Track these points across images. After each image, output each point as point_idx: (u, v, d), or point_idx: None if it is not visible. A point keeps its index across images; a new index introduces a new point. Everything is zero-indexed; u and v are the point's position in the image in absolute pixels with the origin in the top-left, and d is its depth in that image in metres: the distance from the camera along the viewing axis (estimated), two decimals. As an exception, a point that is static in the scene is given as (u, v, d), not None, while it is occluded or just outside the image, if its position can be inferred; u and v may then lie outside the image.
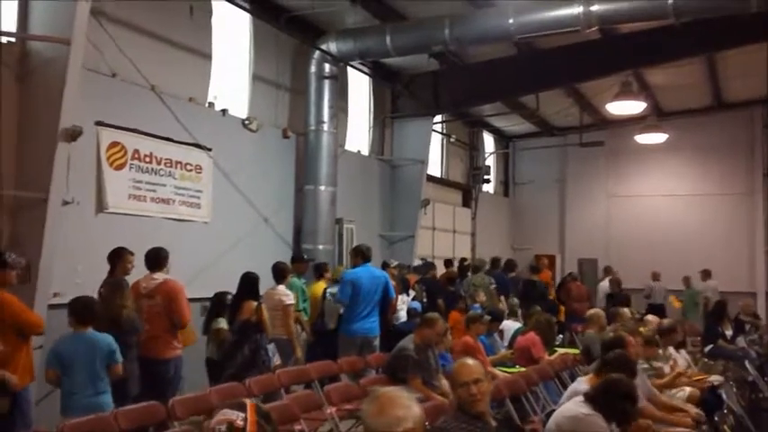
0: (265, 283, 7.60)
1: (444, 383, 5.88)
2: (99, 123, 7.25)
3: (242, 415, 2.00)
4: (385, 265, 9.92)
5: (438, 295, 10.33)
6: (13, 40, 6.35)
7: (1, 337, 4.72)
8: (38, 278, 5.92)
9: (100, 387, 4.77)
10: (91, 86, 6.90)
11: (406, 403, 2.27)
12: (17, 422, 4.75)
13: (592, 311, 8.33)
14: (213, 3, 9.10)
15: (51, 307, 6.04)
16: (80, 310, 4.90)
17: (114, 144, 7.46)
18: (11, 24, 6.41)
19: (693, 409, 5.72)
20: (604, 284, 14.09)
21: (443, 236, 15.53)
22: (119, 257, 6.06)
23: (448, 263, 12.87)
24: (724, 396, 6.34)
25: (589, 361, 6.60)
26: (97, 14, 7.09)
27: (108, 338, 4.92)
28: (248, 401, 2.11)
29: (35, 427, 4.72)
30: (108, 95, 7.38)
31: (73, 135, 6.22)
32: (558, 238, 19.10)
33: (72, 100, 6.15)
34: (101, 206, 7.30)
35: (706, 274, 14.93)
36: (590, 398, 3.96)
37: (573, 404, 4.05)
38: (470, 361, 3.58)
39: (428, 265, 11.55)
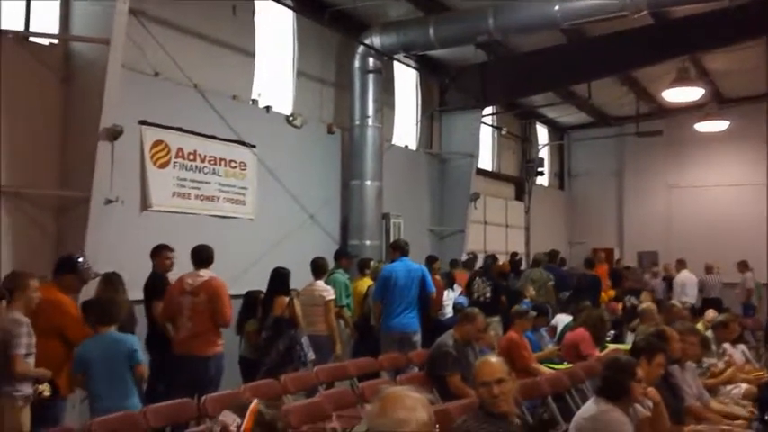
0: (309, 278, 7.58)
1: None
2: (142, 122, 7.33)
3: (238, 420, 1.92)
4: (432, 260, 9.77)
5: (501, 291, 10.12)
6: (55, 41, 6.47)
7: (45, 341, 4.58)
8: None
9: (123, 390, 4.59)
10: (133, 86, 6.98)
11: (411, 404, 2.11)
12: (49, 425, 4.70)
13: (644, 306, 8.02)
14: (256, 1, 9.10)
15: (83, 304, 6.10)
16: (98, 310, 4.80)
17: (158, 143, 7.53)
18: (53, 26, 6.53)
19: (743, 412, 5.40)
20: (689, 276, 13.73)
21: (495, 230, 15.26)
22: (156, 254, 6.08)
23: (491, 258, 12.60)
24: (778, 393, 5.98)
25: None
26: (139, 14, 7.16)
27: (129, 338, 4.77)
28: (254, 405, 2.02)
29: (65, 425, 4.69)
30: (151, 95, 7.44)
31: (114, 134, 6.31)
32: (616, 230, 18.57)
33: (112, 99, 6.24)
34: (145, 204, 7.38)
35: (743, 266, 14.33)
36: (599, 390, 3.83)
37: (590, 403, 3.89)
38: (493, 359, 3.42)
39: (491, 258, 11.26)
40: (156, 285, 6.26)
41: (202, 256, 5.98)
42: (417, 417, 2.09)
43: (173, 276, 6.30)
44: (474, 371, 3.43)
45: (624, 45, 11.25)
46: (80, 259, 5.16)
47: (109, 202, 6.53)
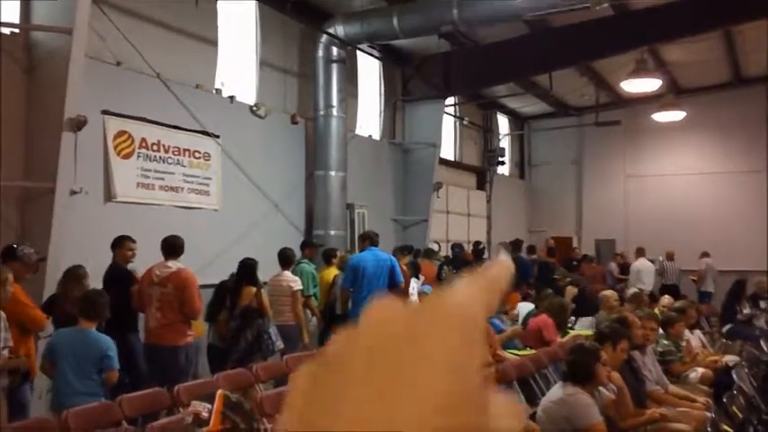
0: (274, 268, 7.68)
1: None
2: (105, 112, 7.34)
3: (208, 406, 1.99)
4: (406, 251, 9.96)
5: None
6: (17, 31, 6.43)
7: (15, 330, 4.68)
8: (47, 268, 6.01)
9: (86, 388, 4.55)
10: (96, 76, 6.98)
11: None
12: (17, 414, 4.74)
13: (603, 293, 8.32)
14: (219, -10, 9.13)
15: (50, 298, 6.11)
16: (85, 305, 4.82)
17: (121, 133, 7.54)
18: (15, 16, 6.48)
19: (701, 398, 5.69)
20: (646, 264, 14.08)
21: (458, 219, 15.51)
22: (118, 245, 6.13)
23: (459, 247, 12.87)
24: (734, 376, 6.29)
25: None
26: (100, 3, 7.14)
27: (104, 341, 4.76)
28: (219, 392, 2.10)
29: (36, 415, 4.74)
30: (113, 84, 7.45)
31: (78, 125, 6.32)
32: (575, 219, 18.99)
33: (76, 89, 6.24)
34: (109, 195, 7.39)
35: (704, 254, 14.81)
36: (566, 375, 4.04)
37: (557, 387, 4.09)
38: None
39: (459, 247, 11.54)
40: (114, 276, 6.27)
41: (172, 247, 6.04)
42: None
43: (136, 268, 6.34)
44: None
45: (585, 36, 11.54)
46: (20, 246, 5.14)
47: (73, 192, 6.54)
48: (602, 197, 18.43)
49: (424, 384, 0.33)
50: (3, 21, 6.33)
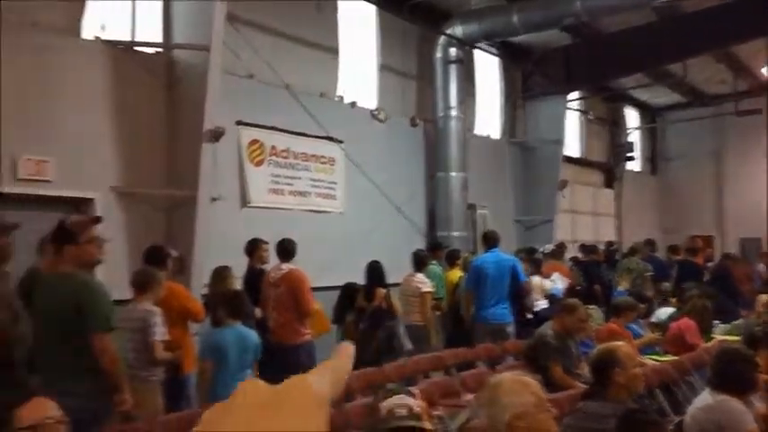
0: (397, 270, 8.08)
1: (587, 371, 5.94)
2: (239, 123, 8.05)
3: (418, 402, 2.17)
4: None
5: (595, 280, 10.46)
6: (160, 50, 7.19)
7: (171, 324, 5.22)
8: (191, 271, 6.70)
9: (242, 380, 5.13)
10: (230, 88, 7.66)
11: (517, 389, 2.26)
12: (182, 404, 5.37)
13: (760, 296, 8.16)
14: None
15: (204, 297, 6.78)
16: (228, 305, 5.30)
17: (254, 142, 8.24)
18: (158, 36, 7.25)
19: None
20: None
21: (584, 219, 15.47)
22: (254, 248, 6.71)
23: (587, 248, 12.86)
24: None
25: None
26: (231, 19, 7.81)
27: (253, 334, 5.28)
28: (414, 390, 2.33)
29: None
30: (246, 96, 8.15)
31: (216, 135, 7.00)
32: (716, 216, 18.40)
33: (214, 102, 6.92)
34: (245, 201, 8.11)
35: None
36: (713, 383, 3.90)
37: (704, 394, 3.94)
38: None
39: (590, 249, 11.63)
40: (252, 277, 6.79)
41: (285, 250, 6.56)
42: (524, 400, 2.25)
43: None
44: (621, 355, 3.70)
45: (719, 20, 11.26)
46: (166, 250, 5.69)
47: (213, 199, 7.23)
48: (747, 192, 17.73)
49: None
50: (148, 41, 7.11)
